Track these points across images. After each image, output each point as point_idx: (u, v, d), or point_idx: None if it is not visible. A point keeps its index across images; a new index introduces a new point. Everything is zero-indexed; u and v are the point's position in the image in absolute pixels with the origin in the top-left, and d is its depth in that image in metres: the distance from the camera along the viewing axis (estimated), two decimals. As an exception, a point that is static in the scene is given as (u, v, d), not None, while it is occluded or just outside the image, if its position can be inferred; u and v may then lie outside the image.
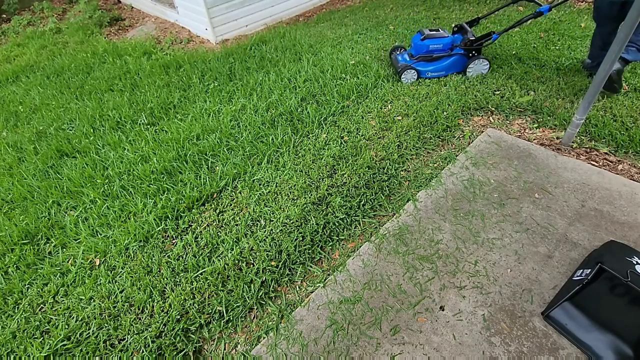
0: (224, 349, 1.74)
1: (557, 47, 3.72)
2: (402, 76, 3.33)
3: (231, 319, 1.83)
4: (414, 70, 3.35)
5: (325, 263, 2.07)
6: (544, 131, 2.77)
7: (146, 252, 2.17)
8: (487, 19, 4.55)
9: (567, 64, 3.41)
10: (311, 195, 2.39)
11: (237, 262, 2.04)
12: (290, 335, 1.73)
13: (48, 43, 5.55)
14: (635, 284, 1.38)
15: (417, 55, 3.38)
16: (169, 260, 2.10)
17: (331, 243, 2.16)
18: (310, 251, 2.10)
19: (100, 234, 2.32)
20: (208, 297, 1.89)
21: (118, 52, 4.88)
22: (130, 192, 2.60)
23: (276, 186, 2.51)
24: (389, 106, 3.22)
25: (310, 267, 2.04)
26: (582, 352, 1.54)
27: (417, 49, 3.36)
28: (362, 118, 3.10)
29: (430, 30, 3.32)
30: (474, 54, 3.31)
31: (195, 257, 2.09)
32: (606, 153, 2.51)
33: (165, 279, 1.99)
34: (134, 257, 2.16)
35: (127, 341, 1.75)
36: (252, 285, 1.93)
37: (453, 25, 3.61)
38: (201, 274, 2.00)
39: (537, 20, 4.38)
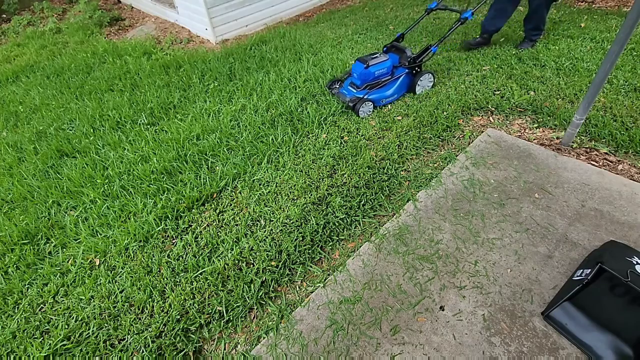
0: (224, 349, 1.74)
1: (557, 47, 3.72)
2: (360, 111, 3.04)
3: (231, 319, 1.83)
4: (369, 102, 3.07)
5: (325, 263, 2.07)
6: (544, 131, 2.77)
7: (146, 252, 2.17)
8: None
9: (567, 64, 3.41)
10: (311, 195, 2.39)
11: (237, 262, 2.04)
12: (290, 335, 1.73)
13: (48, 43, 5.55)
14: (635, 284, 1.38)
15: (363, 84, 3.11)
16: (169, 260, 2.10)
17: (331, 243, 2.16)
18: (310, 251, 2.10)
19: (100, 234, 2.32)
20: (208, 297, 1.89)
21: (118, 52, 4.88)
22: (130, 192, 2.60)
23: (276, 186, 2.51)
24: (389, 106, 3.22)
25: (310, 267, 2.04)
26: (582, 352, 1.54)
27: (362, 78, 3.08)
28: (362, 118, 3.10)
29: (371, 57, 3.07)
30: (417, 70, 3.21)
31: (195, 257, 2.09)
32: (606, 153, 2.51)
33: (165, 279, 1.99)
34: (134, 257, 2.16)
35: (127, 341, 1.75)
36: (252, 285, 1.93)
37: (383, 46, 3.41)
38: (201, 274, 2.00)
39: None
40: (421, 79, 3.21)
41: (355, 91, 3.15)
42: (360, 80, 3.10)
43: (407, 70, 3.17)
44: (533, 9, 3.29)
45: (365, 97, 3.05)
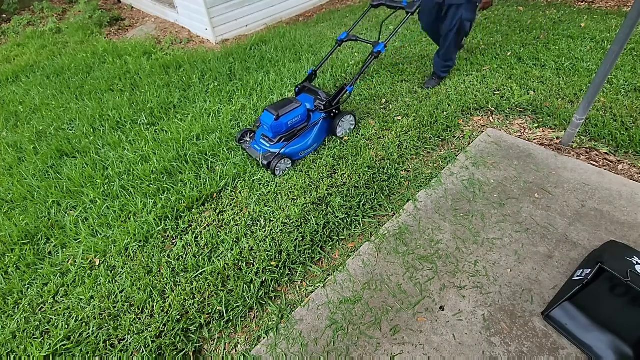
0: (224, 349, 1.74)
1: (557, 47, 3.72)
2: (276, 168, 2.56)
3: (231, 319, 1.83)
4: (287, 158, 2.61)
5: (325, 263, 2.07)
6: (544, 131, 2.77)
7: (146, 252, 2.17)
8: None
9: (567, 64, 3.41)
10: (311, 195, 2.39)
11: (237, 262, 2.04)
12: (290, 335, 1.73)
13: (48, 43, 5.55)
14: (635, 284, 1.38)
15: (276, 137, 2.66)
16: (169, 260, 2.09)
17: (331, 243, 2.16)
18: (310, 251, 2.10)
19: (100, 234, 2.32)
20: (208, 297, 1.89)
21: (118, 52, 4.88)
22: (130, 192, 2.59)
23: (276, 186, 2.51)
24: (390, 106, 3.22)
25: (310, 267, 2.04)
26: (582, 352, 1.54)
27: (274, 131, 2.61)
28: (362, 119, 3.10)
29: (281, 105, 2.63)
30: (335, 112, 2.82)
31: (195, 257, 2.09)
32: (606, 153, 2.51)
33: (165, 279, 1.99)
34: (133, 257, 2.16)
35: (127, 341, 1.75)
36: (252, 285, 1.93)
37: (295, 86, 3.06)
38: (201, 274, 2.00)
39: (537, 21, 4.39)
40: (342, 120, 2.84)
41: (268, 145, 2.68)
42: (272, 133, 2.63)
43: (324, 115, 2.79)
44: (447, 44, 3.10)
45: (281, 152, 2.59)
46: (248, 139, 2.92)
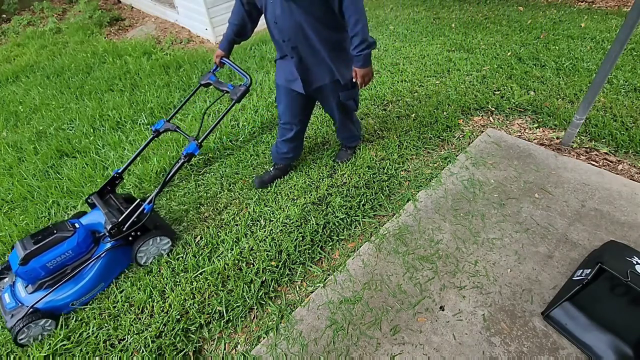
0: (224, 349, 1.74)
1: (557, 47, 3.72)
2: (22, 337, 1.74)
3: (231, 319, 1.83)
4: (46, 318, 1.78)
5: (325, 263, 2.07)
6: (544, 131, 2.77)
7: (146, 252, 2.16)
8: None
9: (567, 64, 3.41)
10: (311, 195, 2.39)
11: (237, 262, 2.04)
12: (290, 335, 1.73)
13: (48, 43, 5.55)
14: (635, 284, 1.37)
15: (35, 283, 1.86)
16: (169, 260, 2.09)
17: (331, 243, 2.16)
18: (310, 251, 2.10)
19: (100, 234, 2.32)
20: (208, 297, 1.89)
21: (118, 52, 4.88)
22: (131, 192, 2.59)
23: (276, 186, 2.51)
24: (390, 106, 3.22)
25: (310, 267, 2.04)
26: (582, 352, 1.54)
27: (28, 277, 1.82)
28: (362, 119, 3.10)
29: (37, 238, 1.82)
30: (136, 234, 2.03)
31: (195, 257, 2.09)
32: (606, 153, 2.51)
33: (165, 279, 1.99)
34: (134, 257, 2.15)
35: (127, 341, 1.75)
36: (252, 285, 1.93)
37: (86, 199, 2.22)
38: (201, 274, 2.00)
39: (537, 21, 4.39)
40: (145, 244, 2.02)
41: (23, 295, 1.85)
42: (27, 279, 1.84)
43: (115, 243, 1.98)
44: (339, 123, 2.39)
45: (34, 306, 1.78)
46: (6, 279, 2.01)
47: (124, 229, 1.98)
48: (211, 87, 2.30)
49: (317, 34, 1.86)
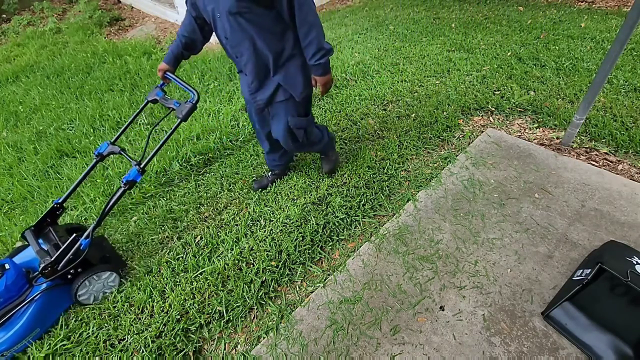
0: (224, 349, 1.74)
1: (557, 47, 3.72)
2: None
3: (231, 319, 1.83)
4: None
5: (325, 263, 2.07)
6: (544, 131, 2.77)
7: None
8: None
9: (567, 64, 3.41)
10: (311, 195, 2.39)
11: (237, 262, 2.04)
12: (290, 335, 1.73)
13: (48, 43, 5.55)
14: (635, 284, 1.37)
15: None
16: (169, 260, 2.09)
17: (331, 243, 2.16)
18: (310, 251, 2.10)
19: (100, 234, 2.32)
20: (208, 297, 1.89)
21: (118, 52, 4.88)
22: (130, 192, 2.59)
23: (276, 186, 2.51)
24: (390, 106, 3.22)
25: (310, 267, 2.04)
26: (582, 352, 1.54)
27: None
28: (362, 119, 3.10)
29: None
30: (76, 271, 1.84)
31: (195, 257, 2.09)
32: (606, 153, 2.51)
33: (165, 279, 1.99)
34: (133, 257, 2.16)
35: (127, 341, 1.75)
36: (252, 285, 1.93)
37: (22, 234, 1.98)
38: (201, 274, 2.00)
39: (537, 21, 4.39)
40: (86, 282, 1.84)
41: None
42: None
43: (51, 283, 1.80)
44: (288, 148, 2.21)
45: None
46: None
47: (58, 268, 1.77)
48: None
49: (269, 48, 1.73)
